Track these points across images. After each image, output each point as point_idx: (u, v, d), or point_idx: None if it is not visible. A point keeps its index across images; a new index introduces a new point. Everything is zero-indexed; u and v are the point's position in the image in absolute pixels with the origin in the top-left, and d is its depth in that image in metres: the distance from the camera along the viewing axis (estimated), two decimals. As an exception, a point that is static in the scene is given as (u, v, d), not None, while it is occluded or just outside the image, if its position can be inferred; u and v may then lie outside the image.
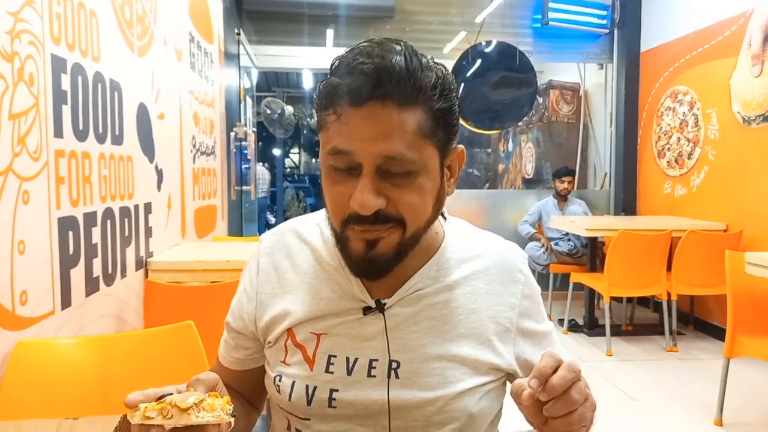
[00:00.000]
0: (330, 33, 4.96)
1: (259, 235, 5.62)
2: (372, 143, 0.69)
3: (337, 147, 0.71)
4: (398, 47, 0.71)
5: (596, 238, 4.20)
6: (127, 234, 2.05)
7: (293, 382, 0.81)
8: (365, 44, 0.72)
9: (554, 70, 6.46)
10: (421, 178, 0.73)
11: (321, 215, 0.90)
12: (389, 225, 0.74)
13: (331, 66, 0.74)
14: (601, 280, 3.77)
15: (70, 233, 1.60)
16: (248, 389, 0.93)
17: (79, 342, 1.34)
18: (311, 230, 0.89)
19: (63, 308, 1.56)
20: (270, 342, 0.85)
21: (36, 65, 1.42)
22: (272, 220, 8.87)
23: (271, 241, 0.90)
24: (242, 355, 0.91)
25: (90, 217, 1.73)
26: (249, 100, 5.42)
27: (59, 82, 1.55)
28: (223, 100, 4.07)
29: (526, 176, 6.95)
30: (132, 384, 1.23)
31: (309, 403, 0.80)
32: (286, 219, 0.98)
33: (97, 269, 1.78)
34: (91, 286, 1.75)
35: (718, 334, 3.91)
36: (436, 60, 0.76)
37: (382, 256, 0.75)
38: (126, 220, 2.04)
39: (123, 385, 1.24)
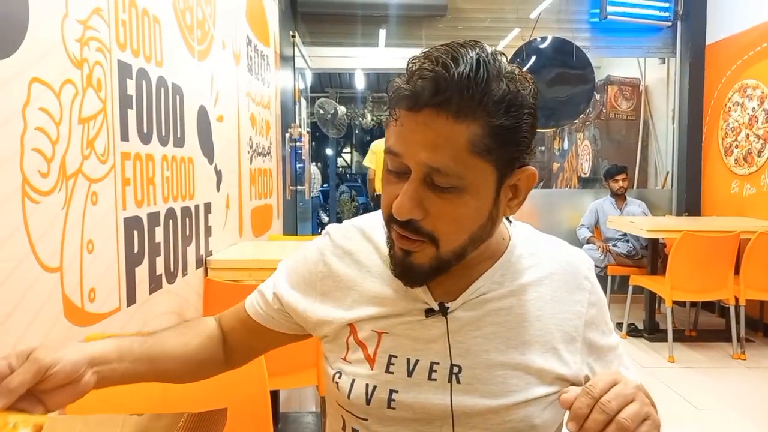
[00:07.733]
0: (382, 33, 4.97)
1: (313, 234, 5.70)
2: (420, 151, 0.69)
3: (391, 147, 0.72)
4: (472, 54, 0.68)
5: (657, 239, 4.04)
6: (188, 233, 2.11)
7: (353, 380, 0.81)
8: (441, 48, 0.70)
9: (613, 65, 6.26)
10: (467, 196, 0.71)
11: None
12: (419, 238, 0.73)
13: (407, 65, 0.73)
14: (662, 283, 3.63)
15: (135, 233, 1.66)
16: (238, 339, 0.94)
17: (144, 338, 1.37)
18: (376, 230, 0.88)
19: (128, 305, 1.61)
20: (327, 336, 0.86)
21: (103, 71, 1.48)
22: (325, 218, 8.96)
23: (336, 235, 0.90)
24: (276, 317, 0.92)
25: (153, 217, 1.79)
26: (303, 101, 5.49)
27: (125, 87, 1.60)
28: (279, 102, 4.13)
29: (582, 175, 6.78)
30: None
31: (368, 402, 0.79)
32: (338, 218, 0.97)
33: (160, 267, 1.84)
34: (155, 284, 1.80)
35: (791, 341, 3.71)
36: (524, 72, 0.72)
37: (418, 267, 0.75)
38: (187, 219, 2.10)
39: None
